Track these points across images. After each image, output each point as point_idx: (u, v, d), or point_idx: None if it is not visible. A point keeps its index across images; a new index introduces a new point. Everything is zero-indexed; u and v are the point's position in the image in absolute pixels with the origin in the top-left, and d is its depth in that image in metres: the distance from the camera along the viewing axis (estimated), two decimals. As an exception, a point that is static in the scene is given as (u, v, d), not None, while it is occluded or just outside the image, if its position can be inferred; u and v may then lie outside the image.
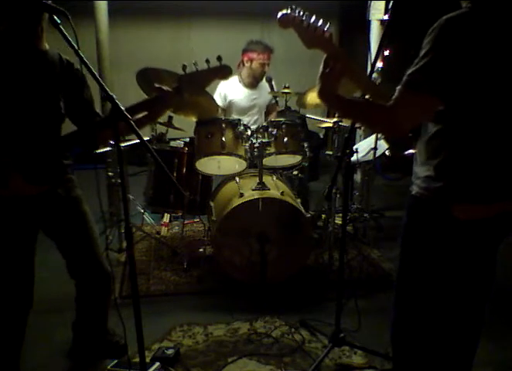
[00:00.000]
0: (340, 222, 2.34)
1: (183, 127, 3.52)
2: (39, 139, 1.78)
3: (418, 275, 1.59)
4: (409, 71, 1.36)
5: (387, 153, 3.65)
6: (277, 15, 1.47)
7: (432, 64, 1.32)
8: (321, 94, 1.52)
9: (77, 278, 2.12)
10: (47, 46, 1.83)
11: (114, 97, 1.47)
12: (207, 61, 1.74)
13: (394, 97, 1.38)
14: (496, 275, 1.60)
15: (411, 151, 1.65)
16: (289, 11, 1.47)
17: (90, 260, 2.07)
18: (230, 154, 2.92)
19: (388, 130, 1.48)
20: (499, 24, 1.34)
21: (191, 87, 1.77)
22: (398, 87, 1.38)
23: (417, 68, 1.34)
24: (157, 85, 1.78)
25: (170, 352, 2.26)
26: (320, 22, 1.48)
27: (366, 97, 1.65)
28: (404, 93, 1.36)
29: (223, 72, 1.76)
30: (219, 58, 1.74)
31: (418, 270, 1.59)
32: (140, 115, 1.79)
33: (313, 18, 1.48)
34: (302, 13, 1.47)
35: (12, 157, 1.70)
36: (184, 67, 1.74)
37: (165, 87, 1.77)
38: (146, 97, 3.06)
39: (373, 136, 3.60)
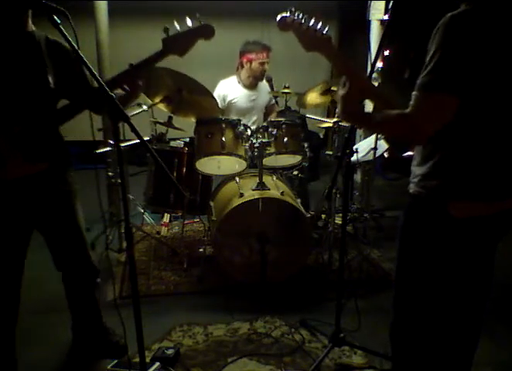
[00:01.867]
0: (340, 222, 2.34)
1: (183, 127, 3.52)
2: (32, 115, 1.79)
3: (415, 274, 1.60)
4: (422, 74, 1.35)
5: (385, 155, 3.66)
6: (277, 16, 1.47)
7: (443, 62, 1.31)
8: (343, 115, 1.52)
9: (64, 269, 2.13)
10: (33, 28, 1.85)
11: (114, 97, 1.47)
12: (187, 22, 1.76)
13: (411, 103, 1.36)
14: (494, 274, 1.60)
15: (409, 153, 1.64)
16: (288, 14, 1.47)
17: (79, 251, 2.10)
18: (230, 154, 2.92)
19: (412, 137, 1.43)
20: (503, 19, 1.34)
21: (176, 49, 1.78)
22: (414, 93, 1.36)
23: (428, 69, 1.33)
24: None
25: (170, 352, 2.26)
26: (319, 25, 1.48)
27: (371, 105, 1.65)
28: (420, 97, 1.35)
29: (206, 31, 1.78)
30: (199, 19, 1.75)
31: (415, 269, 1.59)
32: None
33: (312, 20, 1.48)
34: (300, 16, 1.48)
35: (8, 136, 1.71)
36: (166, 30, 1.75)
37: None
38: (145, 97, 3.10)
39: (373, 136, 3.60)
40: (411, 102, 1.36)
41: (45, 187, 1.92)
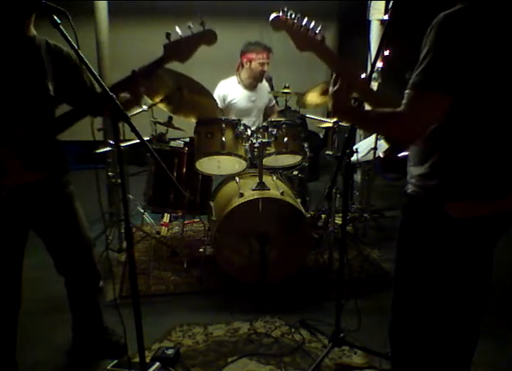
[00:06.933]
0: (340, 222, 2.34)
1: (183, 127, 3.52)
2: (32, 123, 1.78)
3: (414, 274, 1.59)
4: (415, 73, 1.35)
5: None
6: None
7: (436, 61, 1.31)
8: (335, 111, 1.52)
9: (66, 274, 2.12)
10: (34, 32, 1.83)
11: (114, 97, 1.47)
12: (189, 27, 1.72)
13: (403, 101, 1.35)
14: (493, 274, 1.59)
15: (404, 153, 1.64)
16: (281, 13, 1.47)
17: (81, 254, 2.09)
18: (230, 154, 2.92)
19: (404, 135, 1.40)
20: (497, 18, 1.33)
21: (177, 55, 1.75)
22: (406, 91, 1.35)
23: (422, 68, 1.33)
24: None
25: (170, 352, 2.26)
26: (312, 25, 1.48)
27: (368, 107, 1.64)
28: (413, 96, 1.34)
29: (208, 36, 1.75)
30: (202, 23, 1.72)
31: (414, 270, 1.59)
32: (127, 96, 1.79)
33: (305, 20, 1.48)
34: (294, 15, 1.48)
35: (8, 143, 1.70)
36: (168, 35, 1.72)
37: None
38: (145, 97, 3.10)
39: (373, 136, 3.60)
40: (404, 100, 1.36)
41: (45, 192, 1.91)
